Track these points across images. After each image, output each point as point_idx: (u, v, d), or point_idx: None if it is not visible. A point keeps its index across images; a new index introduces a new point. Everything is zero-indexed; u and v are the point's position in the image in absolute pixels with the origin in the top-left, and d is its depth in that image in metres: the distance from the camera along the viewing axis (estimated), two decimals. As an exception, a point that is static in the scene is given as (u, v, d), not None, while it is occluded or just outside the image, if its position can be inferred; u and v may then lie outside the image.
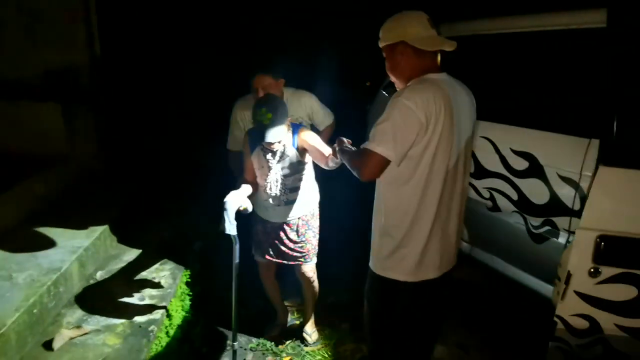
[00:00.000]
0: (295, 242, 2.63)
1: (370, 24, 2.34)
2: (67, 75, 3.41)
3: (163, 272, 2.85)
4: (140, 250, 3.03)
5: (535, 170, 2.35)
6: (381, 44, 1.86)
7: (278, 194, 2.49)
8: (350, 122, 3.49)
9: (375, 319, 2.02)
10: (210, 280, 3.20)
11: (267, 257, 2.67)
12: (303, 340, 2.86)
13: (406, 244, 1.77)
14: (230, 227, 2.23)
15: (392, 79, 1.90)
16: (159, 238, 3.19)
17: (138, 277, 2.78)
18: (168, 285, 2.73)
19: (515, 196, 2.47)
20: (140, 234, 3.22)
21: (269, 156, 2.47)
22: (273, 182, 2.50)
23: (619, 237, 1.59)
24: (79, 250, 2.62)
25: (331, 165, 2.25)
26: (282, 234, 2.60)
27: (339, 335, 2.84)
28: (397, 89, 1.84)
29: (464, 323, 2.83)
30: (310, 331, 2.89)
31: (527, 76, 2.60)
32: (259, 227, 2.62)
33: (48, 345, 2.12)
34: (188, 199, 3.87)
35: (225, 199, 2.24)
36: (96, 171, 3.64)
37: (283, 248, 2.63)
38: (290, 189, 2.52)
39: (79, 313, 2.41)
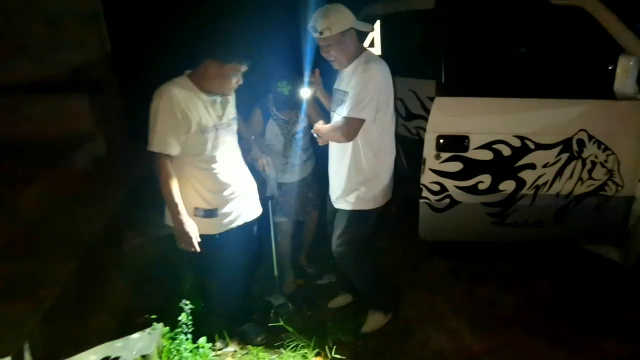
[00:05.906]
0: (309, 195, 2.86)
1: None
2: (86, 70, 4.14)
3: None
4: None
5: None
6: (330, 33, 2.08)
7: (296, 155, 2.72)
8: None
9: (362, 246, 2.51)
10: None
11: (288, 216, 2.84)
12: (305, 274, 3.15)
13: (378, 179, 2.41)
14: (275, 189, 2.31)
15: (338, 60, 2.24)
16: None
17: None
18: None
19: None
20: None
21: (284, 124, 2.68)
22: (290, 146, 2.71)
23: (448, 135, 2.70)
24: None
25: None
26: (298, 190, 2.80)
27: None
28: (340, 69, 2.30)
29: (398, 220, 3.73)
30: (308, 263, 3.24)
31: (421, 43, 3.66)
32: (276, 191, 2.65)
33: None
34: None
35: (266, 161, 2.26)
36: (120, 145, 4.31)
37: (301, 203, 2.83)
38: (304, 148, 2.80)
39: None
